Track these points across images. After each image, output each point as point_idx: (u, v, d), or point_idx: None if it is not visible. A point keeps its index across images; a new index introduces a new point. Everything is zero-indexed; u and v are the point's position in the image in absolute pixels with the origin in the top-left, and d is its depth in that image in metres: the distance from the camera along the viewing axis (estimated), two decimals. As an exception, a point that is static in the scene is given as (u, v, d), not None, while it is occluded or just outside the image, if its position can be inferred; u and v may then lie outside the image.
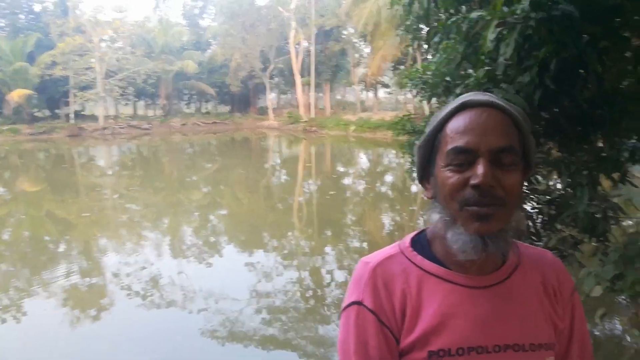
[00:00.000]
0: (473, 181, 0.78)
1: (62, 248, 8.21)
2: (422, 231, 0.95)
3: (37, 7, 37.86)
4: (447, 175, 0.81)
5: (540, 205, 3.28)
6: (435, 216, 0.85)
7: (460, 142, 0.80)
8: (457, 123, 0.82)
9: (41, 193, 13.91)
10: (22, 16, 36.89)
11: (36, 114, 36.15)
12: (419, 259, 0.89)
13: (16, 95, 31.01)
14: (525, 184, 3.28)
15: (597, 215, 2.93)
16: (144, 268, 6.66)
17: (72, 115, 35.98)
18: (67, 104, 36.24)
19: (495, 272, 0.87)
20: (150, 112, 45.91)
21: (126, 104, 43.48)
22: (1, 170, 18.63)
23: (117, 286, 6.06)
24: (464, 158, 0.80)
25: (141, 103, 46.25)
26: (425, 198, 0.91)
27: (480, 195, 0.78)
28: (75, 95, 34.47)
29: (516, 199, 0.81)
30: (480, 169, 0.78)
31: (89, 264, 7.13)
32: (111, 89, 34.78)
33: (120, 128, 36.09)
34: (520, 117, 0.84)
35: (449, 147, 0.81)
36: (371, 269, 0.88)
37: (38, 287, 6.13)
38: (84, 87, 34.63)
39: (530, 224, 3.20)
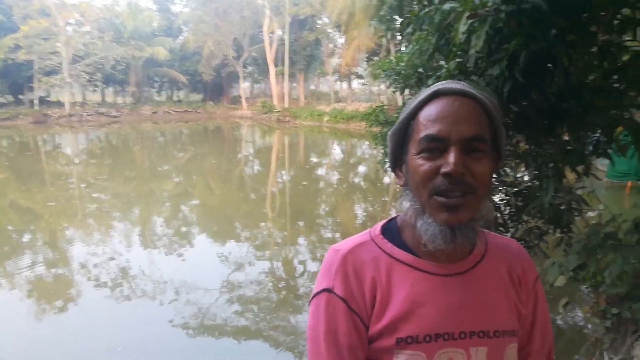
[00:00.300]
0: (444, 169, 0.78)
1: (26, 238, 7.95)
2: (393, 219, 0.95)
3: (-2, -12, 36.19)
4: (419, 163, 0.82)
5: (508, 197, 3.36)
6: (406, 204, 0.86)
7: (432, 130, 0.80)
8: (430, 111, 0.82)
9: (4, 181, 13.39)
10: (-18, -3, 35.21)
11: (-2, 100, 34.76)
12: (389, 246, 0.89)
13: (-24, 80, 29.68)
14: (495, 175, 3.35)
15: (562, 207, 3.02)
16: (112, 259, 6.52)
17: (36, 102, 34.67)
18: (31, 89, 34.86)
19: (463, 260, 0.89)
20: (120, 100, 44.69)
21: (94, 91, 42.18)
22: (-40, 157, 17.85)
23: (85, 277, 5.91)
24: (436, 146, 0.80)
25: (110, 90, 44.93)
26: (398, 185, 0.91)
27: (450, 183, 0.78)
28: (40, 81, 33.19)
29: (486, 188, 0.82)
30: (451, 157, 0.78)
31: (55, 254, 6.93)
32: (78, 74, 33.61)
33: (88, 115, 35.00)
34: (492, 106, 0.84)
35: (421, 134, 0.81)
36: (342, 256, 0.88)
37: (1, 278, 5.92)
38: (49, 72, 33.34)
39: (499, 215, 3.27)
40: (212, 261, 6.55)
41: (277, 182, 13.46)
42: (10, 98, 36.31)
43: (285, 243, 7.54)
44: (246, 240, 7.69)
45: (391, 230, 0.92)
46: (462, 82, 0.86)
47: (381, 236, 0.91)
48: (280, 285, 5.79)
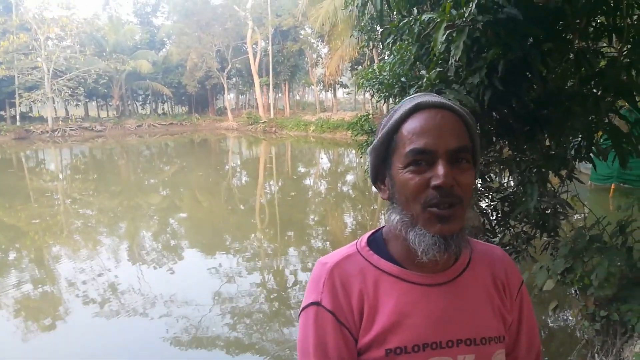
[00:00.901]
0: (435, 182, 0.80)
1: (11, 256, 7.80)
2: (379, 230, 0.96)
3: (-23, 4, 35.77)
4: (408, 177, 0.83)
5: (494, 202, 3.40)
6: (395, 217, 0.86)
7: (418, 143, 0.82)
8: (413, 124, 0.84)
9: (-14, 200, 13.16)
10: (-40, 12, 34.74)
11: (-21, 116, 34.21)
12: (375, 258, 0.90)
13: (-44, 97, 29.21)
14: (480, 181, 3.39)
15: (548, 211, 3.06)
16: (100, 275, 6.43)
17: (18, 117, 34.22)
18: (12, 105, 34.43)
19: (448, 270, 0.90)
20: (103, 114, 44.30)
21: (77, 105, 41.76)
22: (-59, 177, 17.48)
23: (73, 294, 5.82)
24: (423, 159, 0.82)
25: (93, 104, 44.56)
26: (383, 199, 0.92)
27: (441, 195, 0.80)
28: (21, 96, 32.79)
29: (470, 197, 0.84)
30: (440, 169, 0.80)
31: (42, 272, 6.81)
32: (60, 89, 33.22)
33: (71, 130, 34.62)
34: (468, 116, 0.86)
35: (408, 148, 0.83)
36: (329, 269, 0.89)
37: (-15, 300, 5.80)
38: (31, 88, 32.96)
39: (486, 220, 3.31)
40: (202, 274, 6.50)
41: (265, 193, 13.43)
42: (-9, 114, 35.77)
43: (275, 254, 7.51)
44: (236, 252, 7.64)
45: (377, 242, 0.93)
46: (437, 95, 0.88)
47: (367, 248, 0.92)
48: (272, 297, 5.77)
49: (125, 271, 6.65)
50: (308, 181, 15.39)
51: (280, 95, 42.44)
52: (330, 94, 40.19)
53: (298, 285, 6.13)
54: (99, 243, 8.30)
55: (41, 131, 33.13)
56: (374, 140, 0.94)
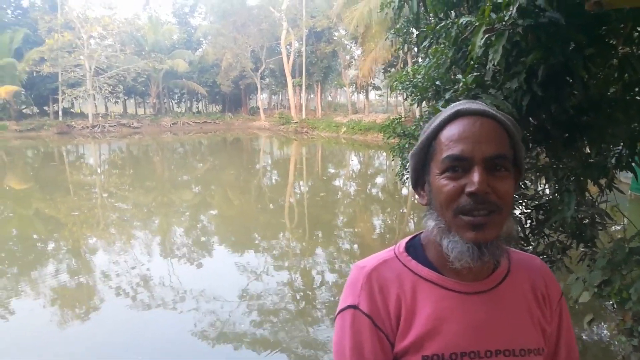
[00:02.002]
0: (469, 188, 0.79)
1: (50, 247, 8.13)
2: (417, 236, 0.96)
3: (24, 3, 37.47)
4: (443, 183, 0.83)
5: (528, 210, 3.32)
6: (431, 223, 0.87)
7: (455, 150, 0.82)
8: (452, 131, 0.84)
9: (29, 191, 13.75)
10: (9, 11, 36.43)
11: (24, 111, 35.76)
12: (413, 263, 0.90)
13: (3, 92, 30.65)
14: (514, 188, 3.31)
15: (585, 221, 2.96)
16: (133, 268, 6.62)
17: (60, 113, 35.64)
18: (55, 101, 35.92)
19: (487, 278, 0.89)
20: (141, 111, 45.61)
21: (116, 102, 43.15)
22: (-12, 168, 18.37)
23: (106, 286, 6.01)
24: (459, 165, 0.82)
25: (131, 101, 45.92)
26: (421, 204, 0.92)
27: (475, 202, 0.79)
28: (64, 93, 34.18)
29: (509, 206, 0.83)
30: (475, 176, 0.79)
31: (78, 263, 7.06)
32: (100, 86, 34.48)
33: (110, 126, 35.80)
34: (511, 124, 0.86)
35: (444, 155, 0.83)
36: (366, 273, 0.89)
37: (26, 286, 6.06)
38: (73, 85, 34.34)
39: (520, 228, 3.23)
40: (231, 271, 6.60)
41: (294, 192, 13.51)
42: (36, 109, 37.43)
43: (303, 254, 7.55)
44: (264, 250, 7.73)
45: (415, 247, 0.93)
46: (479, 102, 0.88)
47: (405, 253, 0.92)
48: (298, 296, 5.80)
49: (157, 265, 6.82)
50: (338, 182, 15.39)
51: (312, 96, 42.61)
52: (362, 96, 40.11)
53: (325, 286, 6.15)
54: (132, 237, 8.55)
55: (82, 127, 34.42)
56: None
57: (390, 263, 0.91)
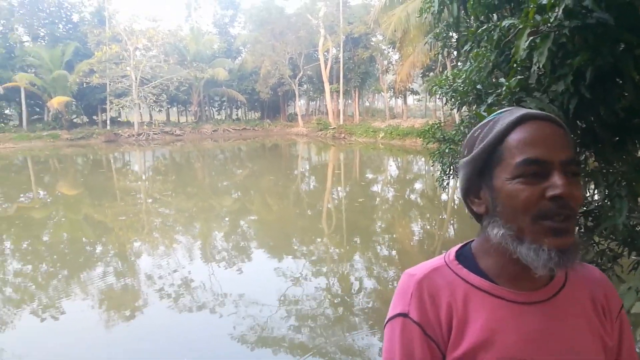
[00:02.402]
0: (553, 192, 0.77)
1: (98, 250, 8.48)
2: (467, 244, 0.94)
3: (75, 17, 39.53)
4: (518, 188, 0.80)
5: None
6: (498, 230, 0.83)
7: (531, 153, 0.80)
8: (522, 135, 0.82)
9: (79, 197, 14.41)
10: (60, 26, 38.56)
11: (75, 120, 37.62)
12: (464, 272, 0.88)
13: (56, 102, 32.34)
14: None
15: (638, 228, 2.83)
16: (175, 271, 6.81)
17: (108, 122, 37.27)
18: (104, 110, 37.63)
19: (543, 288, 0.86)
20: (183, 119, 47.02)
21: (159, 111, 44.74)
22: (42, 174, 19.39)
23: (150, 288, 6.21)
24: (536, 170, 0.79)
25: (174, 109, 47.45)
26: (478, 212, 0.90)
27: (558, 207, 0.77)
28: (111, 102, 35.79)
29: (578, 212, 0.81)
30: (558, 180, 0.77)
31: (124, 266, 7.34)
32: (145, 96, 35.87)
33: (154, 134, 37.10)
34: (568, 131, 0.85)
35: (519, 159, 0.80)
36: (417, 281, 0.88)
37: (75, 288, 6.34)
38: (120, 94, 35.89)
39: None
40: (270, 275, 6.67)
41: (332, 198, 13.54)
42: (85, 119, 39.36)
43: (341, 259, 7.55)
44: (303, 255, 7.77)
45: (465, 256, 0.91)
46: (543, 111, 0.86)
47: (456, 261, 0.90)
48: (336, 302, 5.79)
49: (198, 269, 6.99)
50: (376, 188, 15.30)
51: (350, 101, 42.66)
52: (400, 101, 39.84)
53: (363, 292, 6.11)
54: (175, 241, 8.79)
55: (128, 135, 35.84)
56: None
57: (441, 271, 0.89)
